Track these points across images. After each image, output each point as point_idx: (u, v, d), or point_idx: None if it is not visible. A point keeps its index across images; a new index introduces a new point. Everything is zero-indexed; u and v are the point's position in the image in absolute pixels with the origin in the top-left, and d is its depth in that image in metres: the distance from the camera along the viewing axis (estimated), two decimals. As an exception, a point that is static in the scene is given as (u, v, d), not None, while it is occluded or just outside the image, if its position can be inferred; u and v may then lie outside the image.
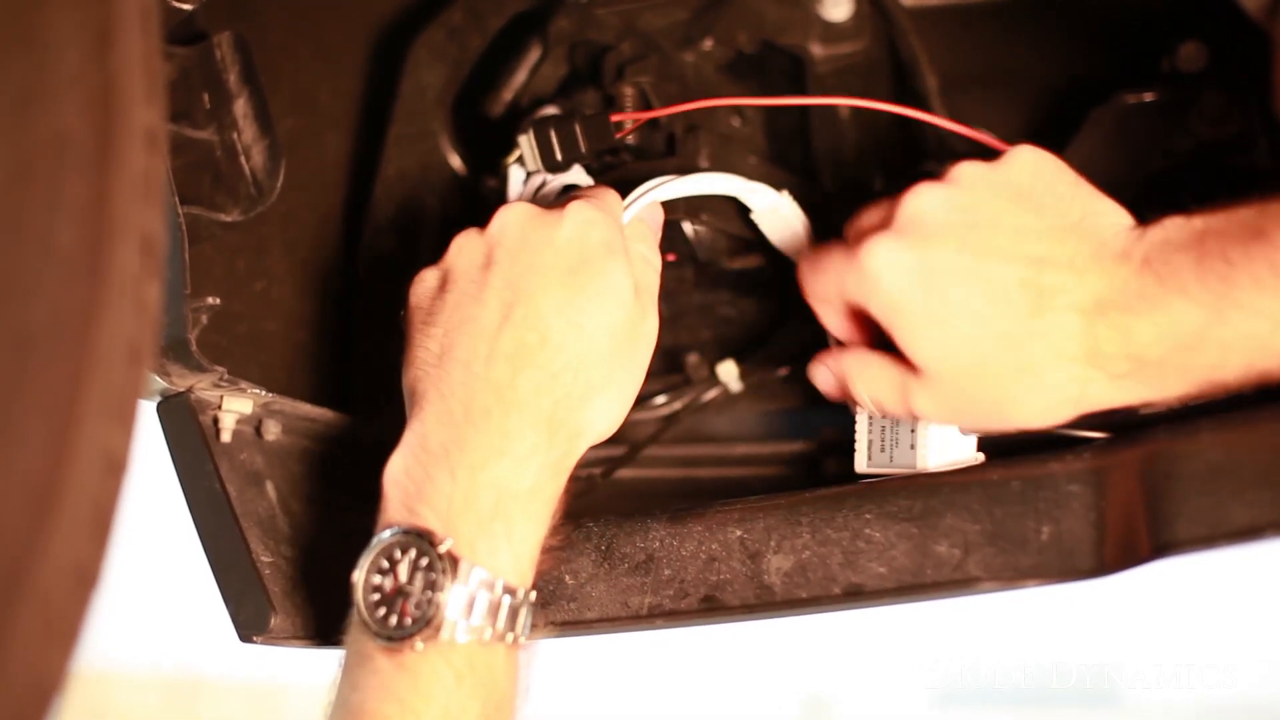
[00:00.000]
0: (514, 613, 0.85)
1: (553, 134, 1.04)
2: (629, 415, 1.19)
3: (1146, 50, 1.09)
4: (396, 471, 0.87)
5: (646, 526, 0.97)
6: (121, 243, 0.57)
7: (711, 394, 1.20)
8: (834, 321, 0.94)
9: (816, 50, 1.12)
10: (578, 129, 1.03)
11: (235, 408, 1.00)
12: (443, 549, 0.84)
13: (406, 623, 0.84)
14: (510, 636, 0.85)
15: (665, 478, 1.20)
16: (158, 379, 0.96)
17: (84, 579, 0.55)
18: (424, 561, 0.84)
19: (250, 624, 0.99)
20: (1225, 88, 1.05)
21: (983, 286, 0.84)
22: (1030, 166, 0.87)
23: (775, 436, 1.21)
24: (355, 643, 0.87)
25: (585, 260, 0.89)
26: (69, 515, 0.54)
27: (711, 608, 0.94)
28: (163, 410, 0.99)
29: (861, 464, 0.98)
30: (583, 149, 1.04)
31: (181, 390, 0.98)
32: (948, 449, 0.95)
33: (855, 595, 0.92)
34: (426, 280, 0.93)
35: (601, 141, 1.04)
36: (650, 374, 1.22)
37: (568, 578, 0.97)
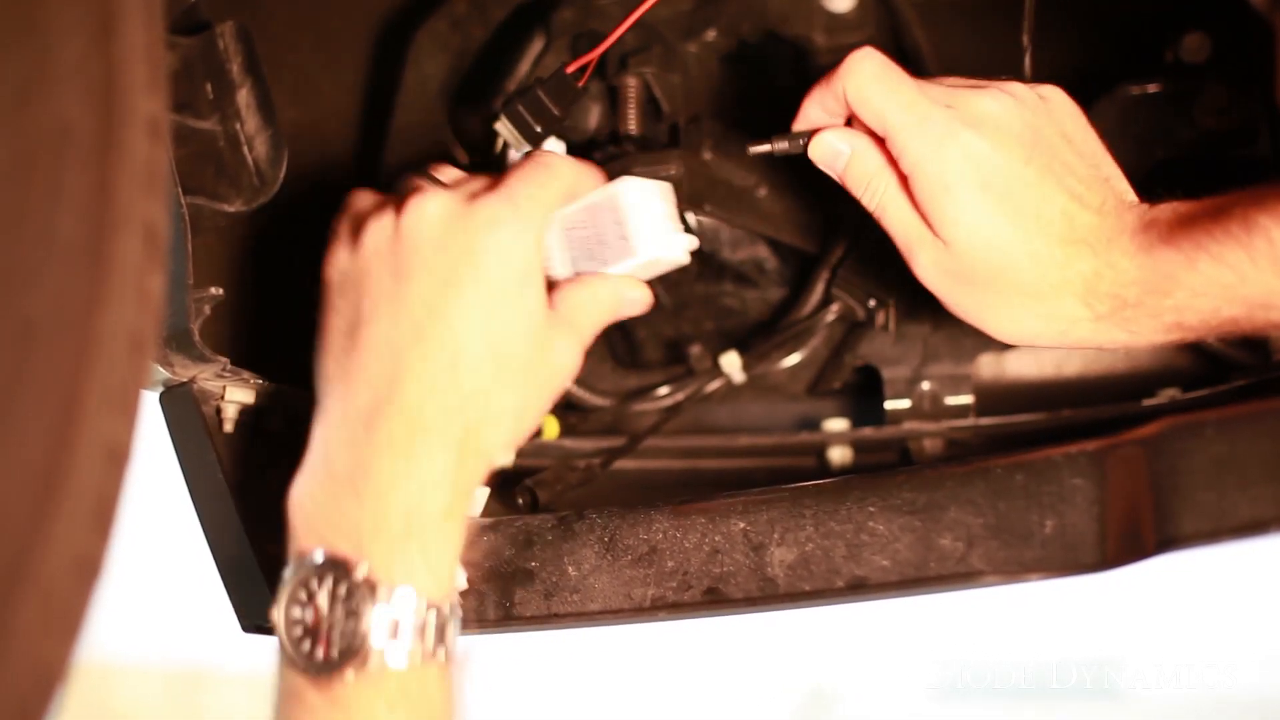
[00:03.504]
0: (440, 630, 0.83)
1: (521, 109, 1.04)
2: (632, 406, 1.19)
3: (1150, 41, 1.09)
4: (301, 496, 0.85)
5: (649, 518, 0.97)
6: (124, 233, 0.57)
7: (714, 385, 1.20)
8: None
9: (820, 41, 1.12)
10: (542, 95, 1.03)
11: (238, 398, 1.00)
12: (359, 575, 0.82)
13: (333, 655, 0.82)
14: (441, 654, 0.83)
15: (668, 469, 1.20)
16: (160, 369, 0.96)
17: (86, 569, 0.55)
18: (342, 590, 0.82)
19: (253, 614, 0.99)
20: (1228, 79, 1.05)
21: (1035, 203, 0.86)
22: (1070, 111, 0.91)
23: (778, 428, 1.21)
24: (285, 679, 0.85)
25: (505, 282, 0.86)
26: (71, 505, 0.54)
27: (714, 600, 0.94)
28: (165, 400, 0.99)
29: (564, 270, 0.93)
30: (555, 112, 1.03)
31: (184, 381, 0.98)
32: (660, 242, 0.93)
33: (858, 588, 0.92)
34: (339, 262, 0.89)
35: (568, 97, 1.03)
36: (654, 365, 1.22)
37: (570, 569, 0.97)
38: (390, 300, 0.86)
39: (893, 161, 0.89)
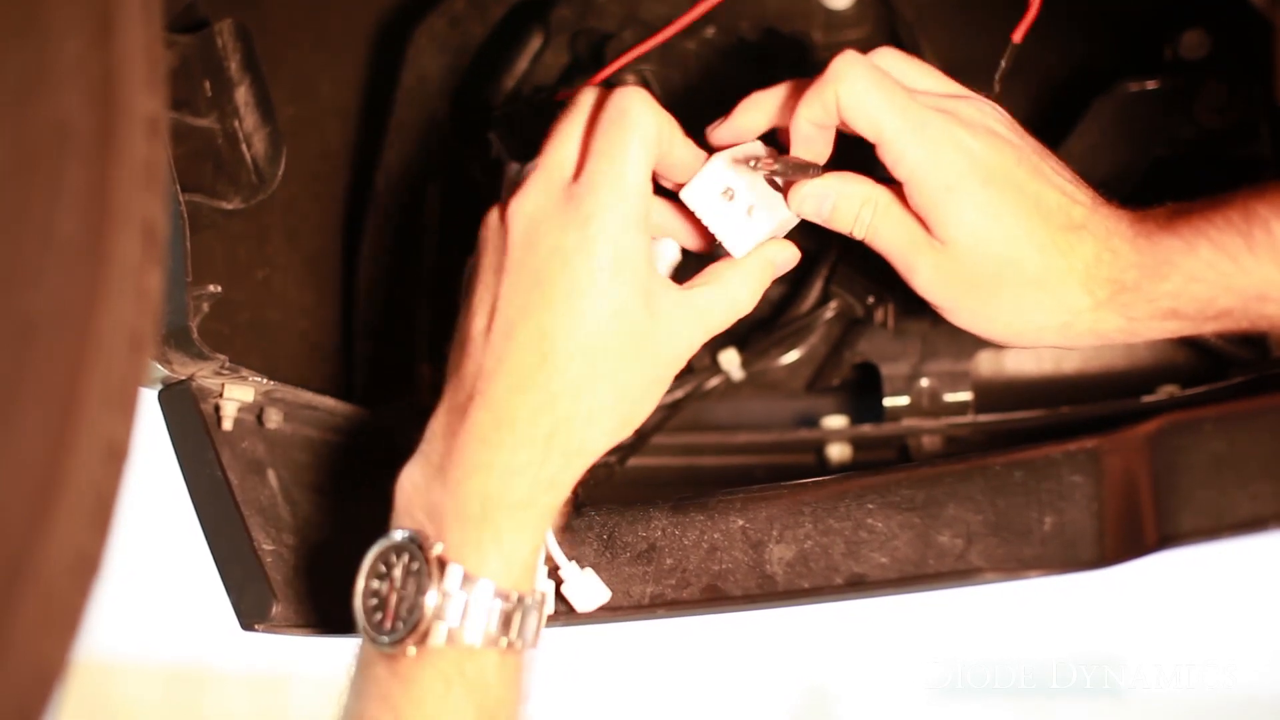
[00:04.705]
0: (506, 618, 0.84)
1: (509, 128, 1.04)
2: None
3: (1149, 38, 1.09)
4: (403, 480, 0.88)
5: (648, 515, 0.97)
6: (123, 231, 0.57)
7: (713, 382, 1.20)
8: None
9: (818, 37, 1.12)
10: (529, 116, 1.04)
11: (237, 396, 1.00)
12: (433, 553, 0.84)
13: (398, 626, 0.84)
14: (504, 642, 0.85)
15: (667, 466, 1.20)
16: (159, 367, 0.95)
17: (85, 567, 0.55)
18: (414, 565, 0.85)
19: (252, 612, 0.99)
20: (1227, 76, 1.05)
21: (1034, 199, 0.86)
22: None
23: (777, 425, 1.21)
24: (361, 650, 0.88)
25: (593, 275, 0.85)
26: (70, 503, 0.54)
27: (713, 597, 0.94)
28: (164, 398, 0.99)
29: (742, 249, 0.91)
30: (541, 132, 1.04)
31: (183, 378, 0.98)
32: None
33: (857, 585, 0.92)
34: (471, 260, 0.92)
35: (553, 119, 1.04)
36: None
37: (569, 567, 0.97)
38: (490, 300, 0.87)
39: (875, 179, 0.89)
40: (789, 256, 0.93)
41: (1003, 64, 0.93)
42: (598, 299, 0.85)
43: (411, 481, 0.88)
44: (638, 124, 0.86)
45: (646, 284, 0.87)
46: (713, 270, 0.91)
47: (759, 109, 0.92)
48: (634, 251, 0.86)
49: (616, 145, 0.86)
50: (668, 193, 0.93)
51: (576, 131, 0.89)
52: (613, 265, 0.85)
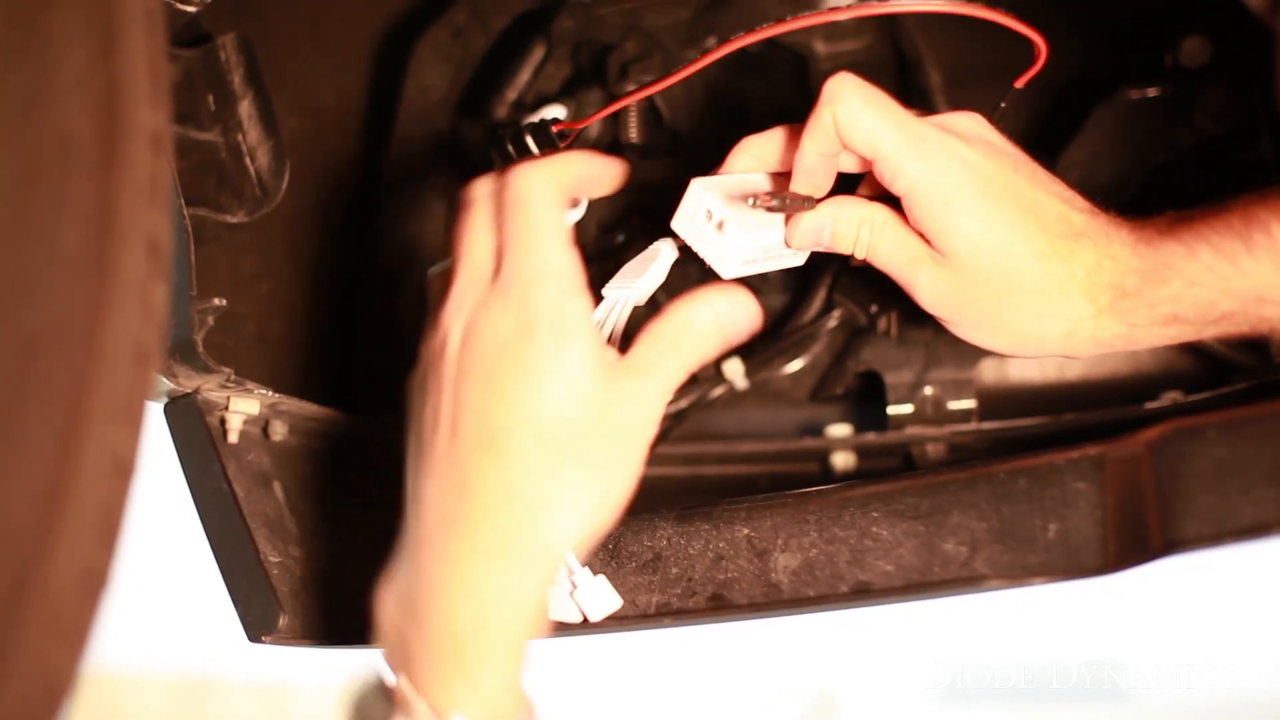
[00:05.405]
0: None
1: (509, 148, 1.04)
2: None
3: (1150, 45, 1.09)
4: (380, 607, 0.85)
5: (654, 525, 0.97)
6: (127, 245, 0.57)
7: (718, 391, 1.20)
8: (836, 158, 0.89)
9: (820, 48, 1.13)
10: (528, 139, 1.04)
11: (242, 408, 1.00)
12: (403, 692, 0.81)
13: None
14: None
15: (672, 476, 1.20)
16: (164, 380, 0.96)
17: (92, 581, 0.56)
18: (388, 710, 0.81)
19: (259, 624, 0.99)
20: (1228, 83, 1.05)
21: (1032, 203, 0.86)
22: None
23: (781, 434, 1.21)
24: None
25: (542, 351, 0.80)
26: (77, 517, 0.54)
27: (719, 606, 0.94)
28: (170, 411, 1.00)
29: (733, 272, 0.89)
30: (537, 155, 1.04)
31: (188, 391, 0.98)
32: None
33: (862, 593, 0.92)
34: (410, 384, 0.86)
35: (551, 147, 1.04)
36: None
37: (575, 576, 0.97)
38: (429, 393, 0.83)
39: (870, 196, 0.89)
40: (738, 318, 0.87)
41: (1002, 104, 0.93)
42: (548, 375, 0.80)
43: (387, 613, 0.84)
44: (539, 202, 0.83)
45: (596, 349, 0.82)
46: (652, 328, 0.85)
47: (750, 154, 0.91)
48: (576, 319, 0.81)
49: (527, 231, 0.82)
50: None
51: (485, 225, 0.85)
52: (557, 338, 0.80)
